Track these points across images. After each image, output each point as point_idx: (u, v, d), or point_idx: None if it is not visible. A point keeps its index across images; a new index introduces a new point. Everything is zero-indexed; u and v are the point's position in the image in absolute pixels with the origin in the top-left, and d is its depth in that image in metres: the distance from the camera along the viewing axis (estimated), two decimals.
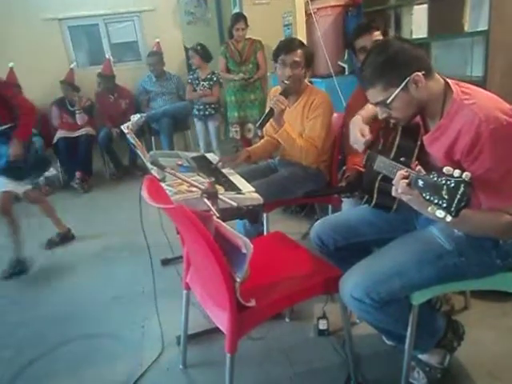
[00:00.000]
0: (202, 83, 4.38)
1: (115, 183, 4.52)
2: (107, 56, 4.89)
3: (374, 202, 1.53)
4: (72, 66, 4.62)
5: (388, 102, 1.27)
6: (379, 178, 1.52)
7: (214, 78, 4.37)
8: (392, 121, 1.46)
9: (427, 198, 1.06)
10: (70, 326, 2.16)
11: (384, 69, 1.25)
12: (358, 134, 1.56)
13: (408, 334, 1.40)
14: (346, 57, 3.76)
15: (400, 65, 1.23)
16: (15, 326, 2.22)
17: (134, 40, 5.33)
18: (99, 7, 4.99)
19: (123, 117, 4.54)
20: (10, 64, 4.38)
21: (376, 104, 1.33)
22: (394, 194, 1.19)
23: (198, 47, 4.32)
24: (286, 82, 2.15)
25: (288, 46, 2.17)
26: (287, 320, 1.99)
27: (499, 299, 1.93)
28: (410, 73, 1.21)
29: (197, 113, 4.46)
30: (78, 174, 4.25)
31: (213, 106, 4.42)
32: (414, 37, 3.07)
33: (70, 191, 4.31)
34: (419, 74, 1.22)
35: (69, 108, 4.49)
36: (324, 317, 1.90)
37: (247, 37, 4.22)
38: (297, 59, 2.14)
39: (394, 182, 1.18)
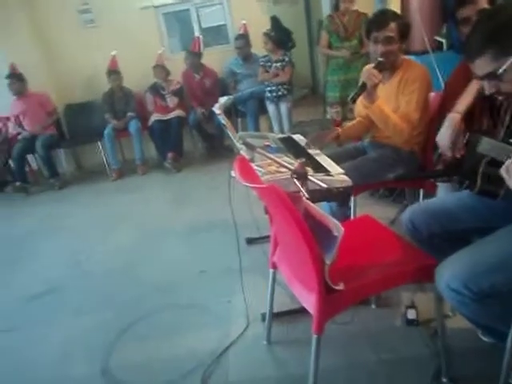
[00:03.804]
0: (274, 65, 4.34)
1: (204, 163, 4.72)
2: (197, 35, 5.02)
3: (477, 188, 1.42)
4: (160, 51, 4.84)
5: (499, 73, 1.14)
6: (484, 162, 1.41)
7: (286, 59, 4.31)
8: (500, 97, 1.33)
9: None
10: (162, 295, 2.34)
11: (496, 35, 1.12)
12: (450, 138, 1.46)
13: (511, 330, 1.29)
14: (444, 31, 3.47)
15: None
16: (115, 291, 2.45)
17: (223, 23, 5.44)
18: None
19: (207, 96, 4.70)
20: (113, 52, 4.73)
21: (483, 77, 1.21)
22: (504, 175, 1.08)
23: (272, 32, 4.25)
24: (379, 59, 2.04)
25: (379, 20, 2.04)
26: (373, 307, 1.95)
27: None
28: None
29: (269, 95, 4.41)
30: (170, 155, 4.49)
31: (285, 86, 4.36)
32: None
33: (162, 171, 4.59)
34: None
35: (161, 92, 4.74)
36: (413, 306, 1.83)
37: (353, 9, 3.88)
38: (390, 34, 2.01)
39: (507, 162, 1.06)
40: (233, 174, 1.59)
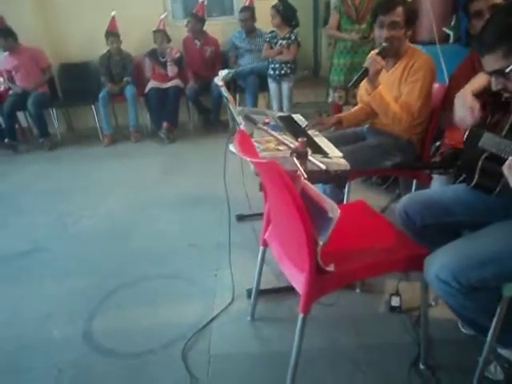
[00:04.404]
0: (280, 42, 4.24)
1: (199, 136, 4.66)
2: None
3: (474, 182, 1.42)
4: (162, 16, 4.69)
5: (507, 71, 1.13)
6: (483, 157, 1.40)
7: (293, 37, 4.20)
8: (506, 94, 1.32)
9: None
10: (149, 264, 2.33)
11: (509, 33, 1.10)
12: (468, 111, 1.42)
13: (493, 325, 1.31)
14: (453, 23, 3.42)
15: None
16: (100, 257, 2.44)
17: None
18: None
19: (206, 66, 4.60)
20: (113, 12, 4.58)
21: (491, 73, 1.19)
22: (505, 172, 1.08)
23: (280, 6, 4.11)
24: (383, 44, 2.00)
25: (387, 4, 2.00)
26: (358, 291, 1.97)
27: None
28: None
29: (272, 72, 4.32)
30: (164, 125, 4.42)
31: (289, 65, 4.28)
32: None
33: (156, 140, 4.52)
34: None
35: (160, 59, 4.62)
36: (397, 294, 1.86)
37: None
38: (396, 19, 1.97)
39: (510, 159, 1.05)
40: (231, 148, 1.57)
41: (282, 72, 4.28)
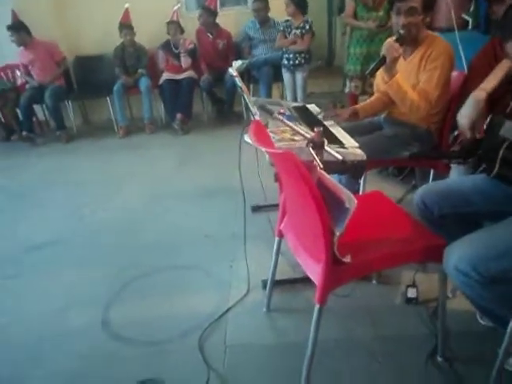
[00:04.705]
0: (294, 31, 4.19)
1: (213, 128, 4.65)
2: None
3: (495, 172, 1.39)
4: (176, 7, 4.67)
5: None
6: (505, 146, 1.37)
7: (307, 27, 4.14)
8: None
9: None
10: (165, 256, 2.35)
11: None
12: (472, 118, 1.39)
13: None
14: (471, 9, 3.33)
15: None
16: (117, 248, 2.47)
17: None
18: None
19: (220, 57, 4.58)
20: (126, 4, 4.58)
21: None
22: None
23: None
24: (400, 31, 1.96)
25: None
26: (374, 282, 1.96)
27: None
28: None
29: (286, 62, 4.28)
30: (178, 116, 4.43)
31: (303, 55, 4.23)
32: None
33: (170, 131, 4.53)
34: None
35: (174, 51, 4.61)
36: (414, 285, 1.84)
37: None
38: (413, 5, 1.93)
39: None
40: (246, 138, 1.56)
41: (297, 62, 4.23)
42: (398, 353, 1.59)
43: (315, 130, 1.36)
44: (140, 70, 4.61)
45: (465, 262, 1.22)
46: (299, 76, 4.29)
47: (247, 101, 1.80)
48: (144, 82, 4.54)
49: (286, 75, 4.35)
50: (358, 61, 3.78)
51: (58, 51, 4.67)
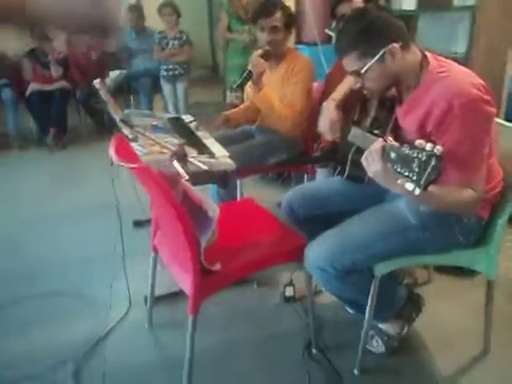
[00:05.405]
0: (171, 42, 4.20)
1: (92, 141, 4.40)
2: None
3: (346, 173, 1.54)
4: None
5: (362, 72, 1.25)
6: (353, 150, 1.52)
7: (184, 37, 4.20)
8: (365, 91, 1.46)
9: (398, 170, 1.06)
10: (36, 282, 2.15)
11: (360, 38, 1.22)
12: (327, 123, 1.56)
13: (368, 303, 1.43)
14: (334, 25, 3.66)
15: (376, 34, 1.20)
16: None
17: None
18: None
19: (95, 67, 4.37)
20: None
21: (351, 73, 1.32)
22: (364, 163, 1.18)
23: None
24: (266, 47, 2.08)
25: (266, 9, 2.08)
26: (255, 286, 2.02)
27: (460, 274, 1.99)
28: (387, 43, 1.19)
29: (165, 73, 4.26)
30: (52, 130, 4.10)
31: (183, 65, 4.26)
32: (404, 8, 3.01)
33: (43, 148, 4.17)
34: (396, 45, 1.20)
35: (42, 60, 4.27)
36: (291, 284, 1.93)
37: None
38: (275, 24, 2.06)
39: (367, 151, 1.15)
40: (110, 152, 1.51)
41: (176, 72, 4.22)
42: (277, 351, 1.67)
43: (177, 143, 1.37)
44: (1, 81, 4.17)
45: (321, 258, 1.32)
46: (180, 87, 4.29)
47: (113, 115, 1.74)
48: (6, 94, 4.11)
49: (166, 86, 4.31)
50: (237, 71, 3.84)
51: None
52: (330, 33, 3.64)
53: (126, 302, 1.94)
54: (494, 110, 1.19)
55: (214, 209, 1.18)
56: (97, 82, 1.87)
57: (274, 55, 2.15)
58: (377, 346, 1.63)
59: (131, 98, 4.50)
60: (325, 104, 1.65)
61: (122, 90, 4.44)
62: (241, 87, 2.05)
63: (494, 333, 1.59)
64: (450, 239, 1.36)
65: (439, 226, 1.33)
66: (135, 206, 2.40)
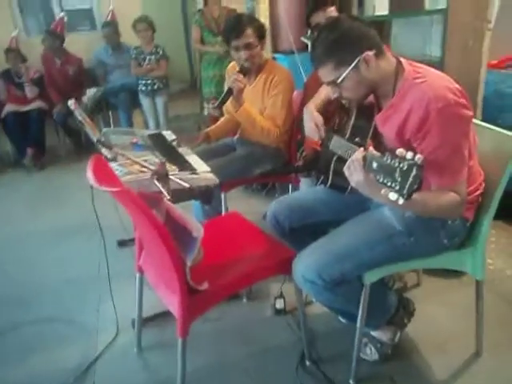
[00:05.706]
0: (148, 57, 4.18)
1: (71, 161, 4.32)
2: (61, 15, 4.54)
3: (329, 183, 1.53)
4: (14, 34, 4.28)
5: (338, 81, 1.25)
6: (335, 159, 1.52)
7: (160, 52, 4.19)
8: (343, 101, 1.46)
9: (380, 180, 1.04)
10: (19, 311, 2.08)
11: (334, 48, 1.22)
12: (313, 124, 1.55)
13: (359, 312, 1.42)
14: (309, 33, 3.68)
15: (350, 43, 1.21)
16: None
17: (89, 7, 5.03)
18: None
19: (72, 85, 4.32)
20: None
21: (327, 84, 1.32)
22: (346, 173, 1.17)
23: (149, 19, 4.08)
24: (245, 64, 2.07)
25: (236, 28, 2.04)
26: (245, 300, 1.99)
27: (448, 275, 2.00)
28: (361, 52, 1.20)
29: (144, 88, 4.23)
30: (29, 151, 4.01)
31: (162, 80, 4.25)
32: (377, 13, 3.04)
33: (21, 170, 4.08)
34: (370, 53, 1.20)
35: (16, 80, 4.20)
36: (281, 296, 1.91)
37: (223, 5, 3.90)
38: (249, 41, 2.04)
39: (349, 161, 1.15)
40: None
41: (155, 87, 4.20)
42: (270, 365, 1.64)
43: (157, 161, 1.34)
44: None
45: (310, 270, 1.31)
46: (159, 101, 4.26)
47: (90, 135, 1.70)
48: None
49: (145, 101, 4.27)
50: (212, 83, 3.89)
51: None
52: (306, 40, 3.66)
53: (113, 327, 1.88)
54: (470, 113, 1.20)
55: (198, 228, 1.16)
56: (71, 103, 1.83)
57: (252, 69, 2.14)
58: (370, 353, 1.62)
59: (110, 114, 4.47)
60: (305, 107, 1.65)
61: (101, 107, 4.40)
62: (222, 105, 2.03)
63: (486, 333, 1.59)
64: (436, 243, 1.36)
65: (425, 231, 1.33)
66: (117, 226, 2.37)
